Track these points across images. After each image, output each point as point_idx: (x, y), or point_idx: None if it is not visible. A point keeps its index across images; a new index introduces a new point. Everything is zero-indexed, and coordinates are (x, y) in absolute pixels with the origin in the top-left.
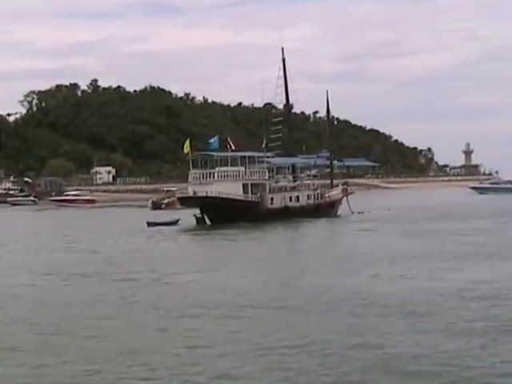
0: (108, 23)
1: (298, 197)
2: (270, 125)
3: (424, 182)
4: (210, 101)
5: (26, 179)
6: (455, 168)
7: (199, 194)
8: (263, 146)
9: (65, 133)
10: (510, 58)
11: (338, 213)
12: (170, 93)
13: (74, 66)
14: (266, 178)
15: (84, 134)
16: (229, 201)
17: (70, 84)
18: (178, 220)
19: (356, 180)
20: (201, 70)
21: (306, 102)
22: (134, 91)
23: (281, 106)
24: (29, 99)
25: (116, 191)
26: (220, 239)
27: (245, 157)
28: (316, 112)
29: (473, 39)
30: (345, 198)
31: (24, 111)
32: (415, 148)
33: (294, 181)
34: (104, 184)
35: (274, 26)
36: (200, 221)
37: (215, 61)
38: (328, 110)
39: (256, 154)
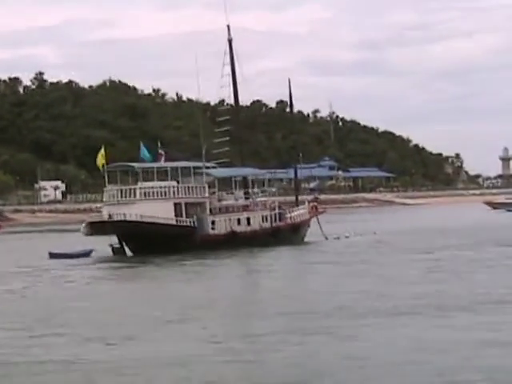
0: (69, 4)
1: (248, 219)
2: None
3: (451, 196)
4: (184, 98)
5: None
6: (490, 179)
7: (115, 218)
8: (203, 152)
9: (3, 139)
10: None
11: (307, 238)
12: (134, 89)
13: (27, 57)
14: (206, 195)
15: (27, 140)
16: (155, 226)
17: (10, 78)
18: (90, 251)
19: (365, 195)
20: (177, 62)
21: (310, 99)
22: (90, 87)
23: (229, 101)
24: None
25: (65, 211)
26: (139, 281)
27: (177, 168)
28: (316, 111)
29: None
30: (314, 219)
31: None
32: (440, 154)
33: (246, 198)
34: (50, 202)
35: (273, 7)
36: (118, 252)
37: (196, 50)
38: (291, 104)
39: (192, 165)
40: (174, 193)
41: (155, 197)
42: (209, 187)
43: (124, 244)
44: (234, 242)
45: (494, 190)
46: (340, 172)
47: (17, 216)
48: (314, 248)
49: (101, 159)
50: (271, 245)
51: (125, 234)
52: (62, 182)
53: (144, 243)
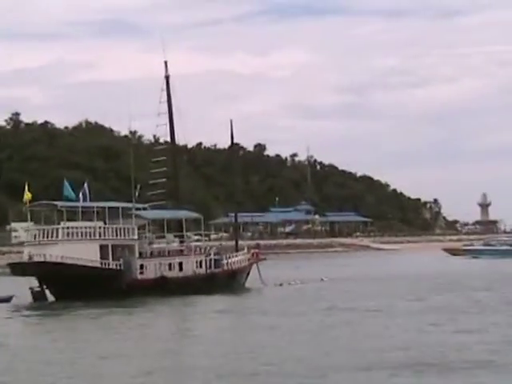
0: (53, 45)
1: (181, 264)
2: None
3: (428, 241)
4: (162, 140)
5: None
6: (467, 224)
7: (35, 259)
8: (137, 193)
9: None
10: None
11: (248, 285)
12: (111, 130)
13: (5, 98)
14: (135, 237)
15: None
16: (78, 268)
17: None
18: (11, 297)
19: (341, 239)
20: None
21: (290, 142)
22: (66, 128)
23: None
24: None
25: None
26: (61, 332)
27: (104, 208)
28: (294, 155)
29: (502, 65)
30: (255, 266)
31: None
32: (418, 199)
33: (181, 242)
34: (22, 244)
35: (257, 50)
36: (38, 296)
37: (180, 91)
38: (232, 143)
39: (121, 205)
40: (100, 234)
41: (79, 237)
42: (138, 229)
43: (45, 288)
44: (164, 288)
45: (472, 236)
46: (317, 216)
47: None
48: (246, 297)
49: (27, 195)
50: (205, 292)
51: (45, 276)
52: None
53: (66, 287)
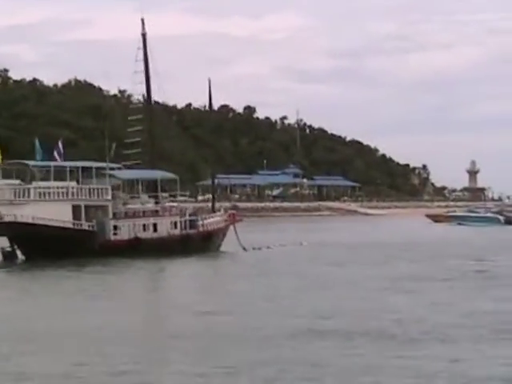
0: (45, 3)
1: (155, 225)
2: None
3: (415, 207)
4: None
5: None
6: (455, 191)
7: (6, 219)
8: (111, 152)
9: None
10: None
11: (224, 248)
12: (100, 89)
13: (3, 55)
14: (109, 198)
15: None
16: (49, 229)
17: None
18: None
19: (329, 203)
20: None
21: (282, 105)
22: (55, 86)
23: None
24: None
25: None
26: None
27: (77, 168)
28: (284, 118)
29: (498, 33)
30: (232, 228)
31: None
32: (407, 165)
33: (156, 203)
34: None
35: (252, 13)
36: (9, 256)
37: (172, 53)
38: (210, 105)
39: (94, 165)
40: (72, 194)
41: (51, 197)
42: (112, 190)
43: (16, 248)
44: (137, 250)
45: (460, 203)
46: (305, 180)
47: None
48: (222, 259)
49: None
50: (180, 253)
51: (16, 236)
52: (23, 180)
53: (37, 247)
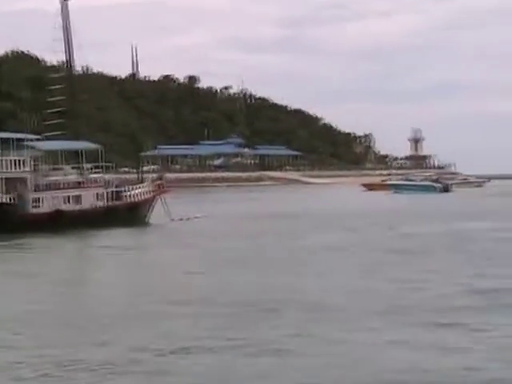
0: None
1: (78, 197)
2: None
3: (358, 176)
4: (94, 71)
5: None
6: (397, 159)
7: None
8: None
9: None
10: (481, 25)
11: (152, 219)
12: (38, 60)
13: None
14: (28, 169)
15: None
16: None
17: None
18: None
19: (271, 173)
20: (93, 34)
21: (226, 75)
22: None
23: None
24: None
25: None
26: None
27: None
28: (227, 87)
29: (437, 1)
30: (160, 199)
31: None
32: (350, 134)
33: (80, 174)
34: None
35: None
36: None
37: (115, 23)
38: (134, 74)
39: (13, 136)
40: None
41: None
42: (32, 161)
43: None
44: (60, 223)
45: (401, 171)
46: (247, 149)
47: None
48: (145, 231)
49: None
50: (105, 226)
51: None
52: None
53: None
